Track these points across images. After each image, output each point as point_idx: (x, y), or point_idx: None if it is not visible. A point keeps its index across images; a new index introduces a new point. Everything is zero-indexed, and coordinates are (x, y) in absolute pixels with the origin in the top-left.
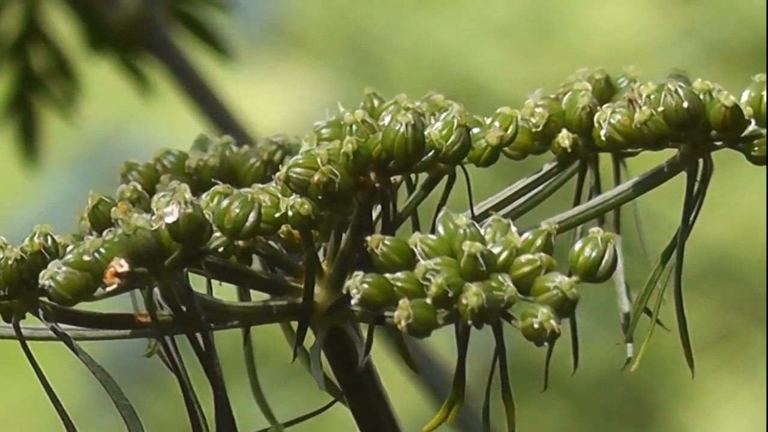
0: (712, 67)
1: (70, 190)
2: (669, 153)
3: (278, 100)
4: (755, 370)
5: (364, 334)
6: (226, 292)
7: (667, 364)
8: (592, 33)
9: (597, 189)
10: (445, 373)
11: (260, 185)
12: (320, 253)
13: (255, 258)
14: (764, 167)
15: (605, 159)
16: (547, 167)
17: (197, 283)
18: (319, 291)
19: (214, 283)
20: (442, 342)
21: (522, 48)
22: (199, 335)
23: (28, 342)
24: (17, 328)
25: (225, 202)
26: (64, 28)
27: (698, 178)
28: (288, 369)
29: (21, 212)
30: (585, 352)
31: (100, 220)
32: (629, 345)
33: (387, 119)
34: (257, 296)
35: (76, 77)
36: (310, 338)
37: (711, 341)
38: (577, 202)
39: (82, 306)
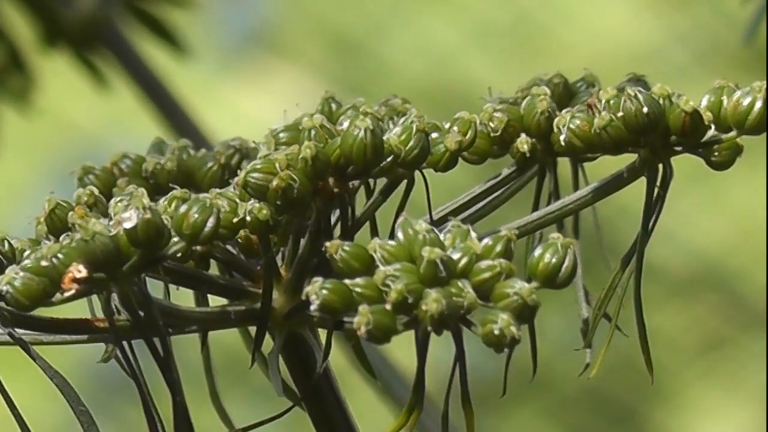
0: (706, 69)
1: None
2: (628, 158)
3: (267, 108)
4: (743, 379)
5: (323, 339)
6: (184, 298)
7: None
8: (588, 35)
9: (556, 194)
10: (406, 380)
11: (218, 190)
12: (278, 258)
13: (213, 263)
14: (752, 174)
15: (563, 164)
16: (505, 172)
17: (155, 288)
18: (277, 296)
19: (172, 288)
20: (404, 348)
21: (515, 50)
22: (156, 340)
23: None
24: None
25: (183, 208)
26: (19, 24)
27: (658, 183)
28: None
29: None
30: (571, 358)
31: (57, 225)
32: (588, 351)
33: (345, 124)
34: (215, 302)
35: (31, 72)
36: (269, 343)
37: (699, 349)
38: (535, 208)
39: (41, 311)
